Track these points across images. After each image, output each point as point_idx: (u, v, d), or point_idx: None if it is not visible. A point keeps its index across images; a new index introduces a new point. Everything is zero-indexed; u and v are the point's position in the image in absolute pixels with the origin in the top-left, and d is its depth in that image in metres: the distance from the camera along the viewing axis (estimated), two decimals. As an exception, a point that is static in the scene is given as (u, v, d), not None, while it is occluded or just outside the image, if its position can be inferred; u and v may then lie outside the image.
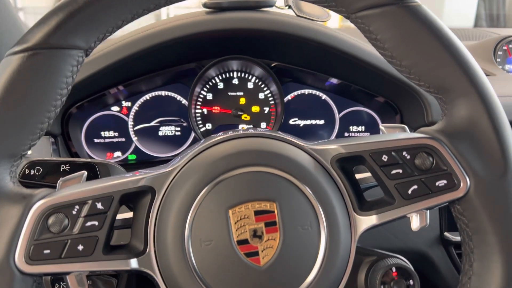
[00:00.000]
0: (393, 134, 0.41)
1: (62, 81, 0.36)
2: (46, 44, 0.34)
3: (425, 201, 0.38)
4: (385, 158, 0.39)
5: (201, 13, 0.64)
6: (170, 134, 0.76)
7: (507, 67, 0.86)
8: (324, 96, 0.77)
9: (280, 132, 0.41)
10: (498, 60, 0.85)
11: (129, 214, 0.42)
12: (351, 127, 0.78)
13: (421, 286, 0.44)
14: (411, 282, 0.39)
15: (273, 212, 0.37)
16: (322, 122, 0.78)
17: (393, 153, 0.39)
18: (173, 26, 0.62)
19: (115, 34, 0.42)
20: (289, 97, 0.77)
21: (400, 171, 0.39)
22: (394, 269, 0.40)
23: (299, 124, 0.78)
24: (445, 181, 0.38)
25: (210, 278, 0.36)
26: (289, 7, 0.69)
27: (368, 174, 0.45)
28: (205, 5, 0.65)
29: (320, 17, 0.69)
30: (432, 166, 0.39)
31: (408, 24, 0.38)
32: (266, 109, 0.76)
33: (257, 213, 0.37)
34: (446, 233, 0.66)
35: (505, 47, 0.88)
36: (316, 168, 0.39)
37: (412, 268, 0.40)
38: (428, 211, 0.40)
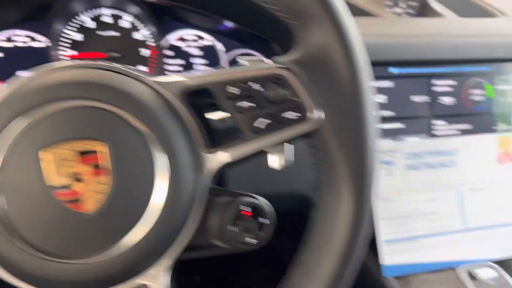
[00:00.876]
0: (245, 66, 0.38)
1: None
2: None
3: (275, 134, 0.36)
4: (234, 90, 0.35)
5: None
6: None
7: (397, 9, 0.87)
8: (211, 39, 0.72)
9: (116, 64, 0.35)
10: (388, 2, 0.86)
11: None
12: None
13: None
14: (268, 221, 0.37)
15: (103, 152, 0.32)
16: (208, 66, 0.73)
17: (242, 84, 0.35)
18: None
19: None
20: (170, 37, 0.70)
21: (250, 104, 0.36)
22: (249, 210, 0.37)
23: (181, 70, 0.72)
24: (296, 113, 0.36)
25: (26, 230, 0.30)
26: None
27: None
28: None
29: None
30: (284, 98, 0.36)
31: None
32: (146, 52, 0.69)
33: (82, 154, 0.32)
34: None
35: (395, -9, 0.88)
36: (158, 103, 0.34)
37: (268, 207, 0.37)
38: (290, 147, 0.38)
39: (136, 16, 0.68)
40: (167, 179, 0.33)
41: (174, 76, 0.36)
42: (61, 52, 0.65)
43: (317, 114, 0.36)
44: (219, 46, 0.72)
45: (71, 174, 0.31)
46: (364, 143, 0.35)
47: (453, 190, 0.68)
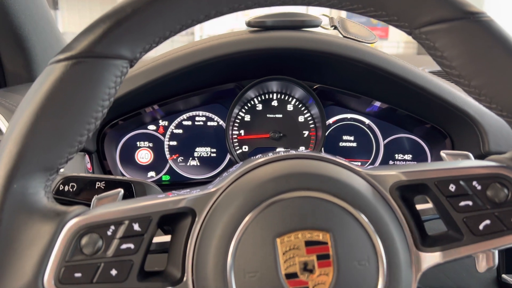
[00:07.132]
0: (460, 161, 0.37)
1: (104, 92, 0.34)
2: (91, 52, 0.32)
3: (498, 238, 0.33)
4: (452, 187, 0.35)
5: (244, 32, 0.63)
6: (205, 155, 0.73)
7: None
8: (368, 121, 0.73)
9: (331, 155, 0.37)
10: None
11: (165, 238, 0.39)
12: (396, 155, 0.73)
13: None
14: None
15: (327, 243, 0.33)
16: (365, 148, 0.73)
17: (461, 182, 0.35)
18: (215, 44, 0.61)
19: (154, 52, 0.40)
20: (330, 121, 0.73)
21: (470, 203, 0.34)
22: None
23: (339, 150, 0.74)
24: None
25: None
26: (335, 27, 0.67)
27: (427, 206, 0.41)
28: (249, 24, 0.63)
29: (367, 39, 0.66)
30: (507, 199, 0.34)
31: (479, 41, 0.34)
32: (306, 133, 0.73)
33: (308, 243, 0.33)
34: (504, 275, 0.59)
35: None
36: (374, 196, 0.35)
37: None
38: (497, 250, 0.35)
39: (300, 100, 0.72)
40: (384, 273, 0.32)
41: (387, 169, 0.36)
42: (232, 132, 0.72)
43: None
44: (376, 130, 0.73)
45: (299, 263, 0.32)
46: None
47: None
